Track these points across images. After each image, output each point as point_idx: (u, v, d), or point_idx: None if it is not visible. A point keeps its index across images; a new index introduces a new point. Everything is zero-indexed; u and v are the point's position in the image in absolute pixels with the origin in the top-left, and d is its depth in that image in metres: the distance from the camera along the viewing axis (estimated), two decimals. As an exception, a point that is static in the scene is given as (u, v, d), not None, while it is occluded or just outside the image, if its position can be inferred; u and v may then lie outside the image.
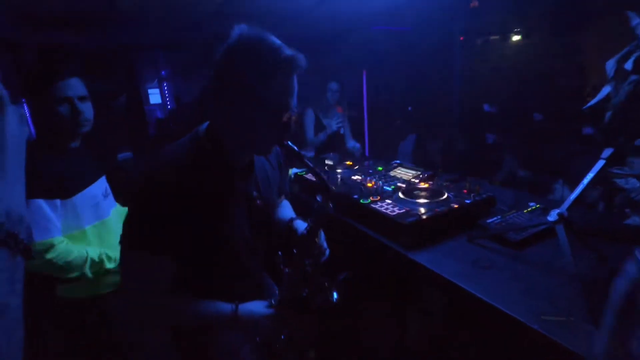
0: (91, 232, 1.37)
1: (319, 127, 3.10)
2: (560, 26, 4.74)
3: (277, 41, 0.85)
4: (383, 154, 3.48)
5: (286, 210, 1.36)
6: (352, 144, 3.31)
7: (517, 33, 5.69)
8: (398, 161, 2.33)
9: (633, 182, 1.42)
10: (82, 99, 1.34)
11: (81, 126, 1.35)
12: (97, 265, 1.33)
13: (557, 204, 1.21)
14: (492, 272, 1.19)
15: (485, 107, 4.83)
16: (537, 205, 1.56)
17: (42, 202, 1.21)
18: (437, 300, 1.34)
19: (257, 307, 0.97)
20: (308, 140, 3.10)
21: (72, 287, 1.34)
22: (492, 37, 5.95)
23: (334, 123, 3.08)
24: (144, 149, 2.66)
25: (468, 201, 1.53)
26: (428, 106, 5.47)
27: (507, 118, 4.85)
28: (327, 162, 2.70)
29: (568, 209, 1.11)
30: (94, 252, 1.33)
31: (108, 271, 1.37)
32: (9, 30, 2.33)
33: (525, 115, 4.82)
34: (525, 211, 1.52)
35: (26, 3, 2.28)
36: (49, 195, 1.22)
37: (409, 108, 5.92)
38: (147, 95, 6.53)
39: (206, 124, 0.96)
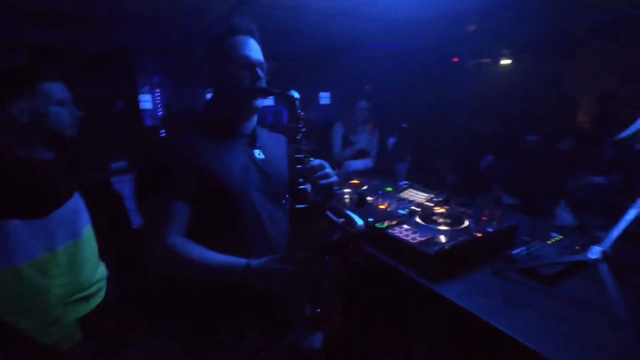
0: (62, 254, 1.19)
1: (346, 143, 3.10)
2: (547, 52, 4.89)
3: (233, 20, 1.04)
4: (382, 170, 3.43)
5: None
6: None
7: (507, 57, 5.85)
8: (406, 182, 2.26)
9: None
10: (65, 103, 1.21)
11: (68, 133, 1.23)
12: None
13: (576, 234, 1.14)
14: (528, 311, 1.10)
15: (479, 126, 4.86)
16: (561, 237, 1.50)
17: (17, 223, 1.05)
18: (462, 337, 1.25)
19: (271, 261, 0.90)
20: (334, 154, 3.09)
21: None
22: (484, 60, 6.10)
23: (363, 140, 3.07)
24: (139, 158, 2.51)
25: (491, 230, 1.45)
26: (425, 125, 5.50)
27: (500, 139, 4.91)
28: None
29: (612, 247, 1.04)
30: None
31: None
32: (6, 28, 2.18)
33: (516, 137, 4.90)
34: (549, 242, 1.45)
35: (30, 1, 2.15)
36: (25, 215, 1.07)
37: (404, 125, 5.94)
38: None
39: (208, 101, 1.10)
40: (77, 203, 1.30)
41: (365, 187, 2.15)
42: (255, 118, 1.12)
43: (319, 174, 0.99)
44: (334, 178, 1.03)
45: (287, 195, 1.04)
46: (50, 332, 1.12)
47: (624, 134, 1.27)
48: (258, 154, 1.10)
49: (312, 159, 1.00)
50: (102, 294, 1.37)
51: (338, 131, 3.15)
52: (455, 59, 5.64)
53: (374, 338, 1.66)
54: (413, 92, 5.84)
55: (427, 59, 5.56)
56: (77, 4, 2.15)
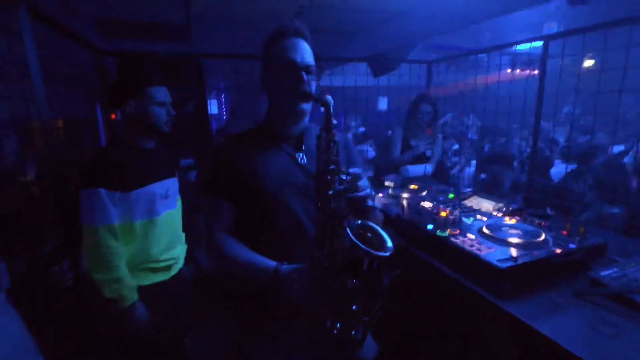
0: (139, 226, 1.43)
1: (406, 147, 3.04)
2: None
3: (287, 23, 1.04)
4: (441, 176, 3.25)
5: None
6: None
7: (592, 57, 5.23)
8: (470, 189, 2.11)
9: None
10: (167, 105, 1.51)
11: (166, 129, 1.51)
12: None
13: None
14: (621, 344, 0.94)
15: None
16: (663, 260, 1.27)
17: (103, 192, 1.32)
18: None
19: (299, 270, 0.91)
20: (394, 158, 3.04)
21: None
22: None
23: (422, 145, 2.99)
24: (206, 156, 2.69)
25: (573, 246, 1.28)
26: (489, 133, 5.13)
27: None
28: (387, 183, 2.53)
29: None
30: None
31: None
32: (92, 38, 2.47)
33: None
34: (648, 265, 1.24)
35: (109, 13, 2.42)
36: (110, 187, 1.34)
37: (471, 135, 5.58)
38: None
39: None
40: (164, 188, 1.52)
41: (424, 193, 2.04)
42: (304, 122, 1.11)
43: (349, 186, 0.95)
44: (367, 192, 0.99)
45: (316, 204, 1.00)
46: (112, 287, 1.33)
47: None
48: (301, 157, 1.10)
49: (343, 173, 0.96)
50: (172, 272, 1.56)
51: (398, 135, 3.06)
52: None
53: (429, 354, 1.56)
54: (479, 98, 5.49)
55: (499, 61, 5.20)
56: (156, 14, 2.36)
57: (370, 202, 1.03)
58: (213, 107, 7.25)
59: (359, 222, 0.89)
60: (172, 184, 1.58)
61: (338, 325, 0.87)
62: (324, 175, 0.90)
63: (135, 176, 1.41)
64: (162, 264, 1.50)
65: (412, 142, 3.03)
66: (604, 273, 1.19)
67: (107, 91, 1.51)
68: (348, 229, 0.81)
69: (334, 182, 0.91)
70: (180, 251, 1.62)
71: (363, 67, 3.52)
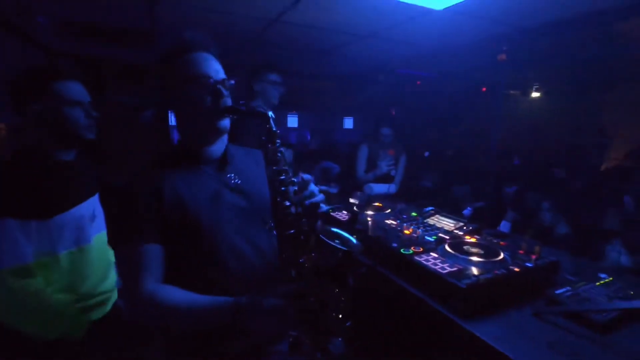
0: (65, 259, 1.15)
1: (372, 165, 3.13)
2: (580, 87, 4.75)
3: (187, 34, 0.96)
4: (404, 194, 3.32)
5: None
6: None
7: (537, 90, 5.72)
8: (432, 208, 2.14)
9: None
10: (84, 105, 1.21)
11: (88, 135, 1.22)
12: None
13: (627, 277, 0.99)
14: (579, 363, 0.95)
15: (515, 159, 4.67)
16: (610, 279, 1.33)
17: (12, 223, 1.03)
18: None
19: (260, 299, 0.81)
20: (358, 176, 3.12)
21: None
22: (513, 92, 5.98)
23: (384, 165, 3.08)
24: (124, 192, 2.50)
25: (529, 264, 1.31)
26: (450, 152, 5.37)
27: (528, 171, 4.71)
28: (352, 200, 2.52)
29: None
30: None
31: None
32: (51, 40, 2.29)
33: (545, 171, 4.68)
34: (597, 284, 1.29)
35: (70, 13, 2.27)
36: (23, 216, 1.05)
37: (426, 154, 5.82)
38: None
39: None
40: (90, 208, 1.26)
41: (388, 211, 2.04)
42: (224, 140, 1.04)
43: (305, 193, 0.92)
44: (320, 197, 0.96)
45: (273, 219, 0.97)
46: (48, 330, 1.10)
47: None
48: (231, 178, 1.02)
49: (293, 177, 0.93)
50: (107, 308, 1.30)
51: (363, 153, 3.11)
52: (484, 89, 5.57)
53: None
54: (438, 120, 5.76)
55: (456, 86, 5.52)
56: (120, 19, 2.24)
57: (323, 207, 0.99)
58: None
59: (327, 228, 0.85)
60: (97, 202, 1.32)
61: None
62: (278, 186, 0.88)
63: (55, 198, 1.13)
64: (95, 300, 1.24)
65: (378, 162, 3.09)
66: (558, 292, 1.21)
67: (9, 91, 1.15)
68: (322, 236, 0.78)
69: (289, 192, 0.88)
70: (113, 280, 1.36)
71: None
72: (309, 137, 7.27)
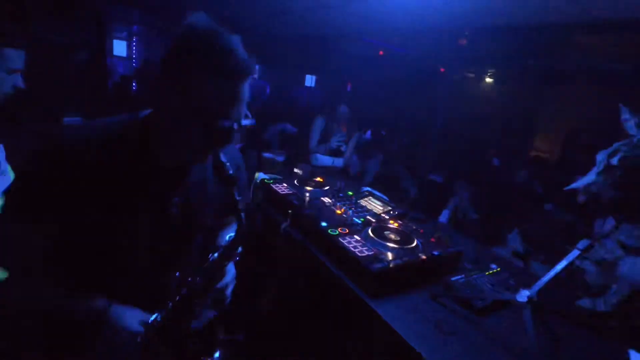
0: None
1: (327, 137, 3.22)
2: (533, 78, 5.10)
3: (231, 43, 0.75)
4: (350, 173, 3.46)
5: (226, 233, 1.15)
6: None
7: (491, 76, 6.02)
8: (368, 188, 2.27)
9: (586, 263, 1.47)
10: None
11: None
12: None
13: (515, 267, 1.19)
14: (454, 340, 1.14)
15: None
16: (498, 269, 1.56)
17: None
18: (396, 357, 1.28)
19: (132, 317, 0.85)
20: (310, 146, 3.19)
21: None
22: (469, 74, 6.23)
23: (334, 141, 3.19)
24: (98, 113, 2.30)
25: (436, 253, 1.49)
26: (404, 131, 5.56)
27: (467, 158, 5.07)
28: (295, 170, 2.57)
29: (538, 292, 1.09)
30: None
31: None
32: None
33: (483, 158, 5.09)
34: (487, 273, 1.51)
35: None
36: None
37: (382, 132, 5.97)
38: (111, 47, 5.85)
39: (148, 112, 0.87)
40: None
41: (327, 188, 2.13)
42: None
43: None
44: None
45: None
46: None
47: (573, 185, 1.33)
48: (181, 195, 0.93)
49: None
50: None
51: (317, 126, 3.18)
52: (442, 69, 5.73)
53: (314, 341, 1.67)
54: (394, 97, 5.87)
55: (415, 65, 5.59)
56: None
57: (262, 175, 1.03)
58: (121, 48, 6.30)
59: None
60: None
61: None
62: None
63: None
64: None
65: (331, 137, 3.17)
66: (454, 278, 1.41)
67: None
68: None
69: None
70: None
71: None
72: (268, 91, 7.04)
